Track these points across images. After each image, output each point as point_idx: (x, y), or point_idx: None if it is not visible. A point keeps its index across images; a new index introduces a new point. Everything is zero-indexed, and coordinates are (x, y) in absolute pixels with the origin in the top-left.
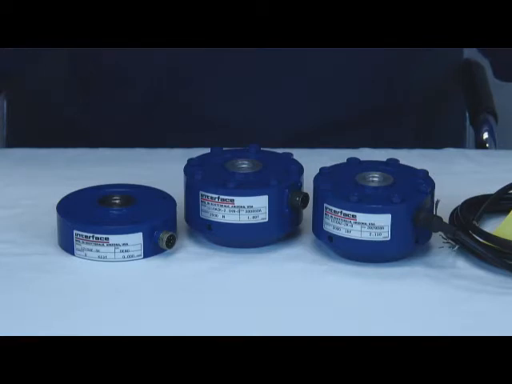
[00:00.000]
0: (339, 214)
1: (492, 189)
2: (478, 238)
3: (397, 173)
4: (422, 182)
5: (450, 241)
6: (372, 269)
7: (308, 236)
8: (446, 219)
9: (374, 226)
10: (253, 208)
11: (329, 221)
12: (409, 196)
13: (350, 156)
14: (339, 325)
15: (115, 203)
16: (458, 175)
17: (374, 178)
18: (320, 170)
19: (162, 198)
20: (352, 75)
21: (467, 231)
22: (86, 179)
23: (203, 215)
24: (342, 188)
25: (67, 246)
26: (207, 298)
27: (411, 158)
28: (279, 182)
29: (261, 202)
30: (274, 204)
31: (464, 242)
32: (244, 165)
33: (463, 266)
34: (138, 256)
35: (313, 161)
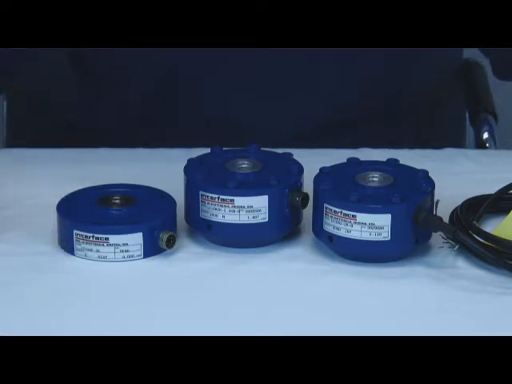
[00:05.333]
0: (339, 213)
1: (492, 189)
2: (478, 237)
3: (397, 173)
4: (422, 182)
5: (449, 241)
6: (372, 269)
7: (308, 236)
8: (446, 219)
9: (374, 225)
10: (253, 208)
11: (329, 221)
12: (409, 196)
13: (350, 156)
14: (339, 325)
15: (115, 203)
16: (458, 175)
17: (374, 177)
18: (320, 169)
19: (162, 198)
20: (352, 75)
21: (467, 231)
22: (86, 179)
23: (203, 215)
24: (342, 188)
25: (67, 246)
26: (207, 298)
27: (411, 158)
28: (279, 182)
29: (261, 202)
30: (274, 204)
31: (464, 242)
32: (244, 165)
33: (463, 266)
34: (138, 256)
35: (313, 161)
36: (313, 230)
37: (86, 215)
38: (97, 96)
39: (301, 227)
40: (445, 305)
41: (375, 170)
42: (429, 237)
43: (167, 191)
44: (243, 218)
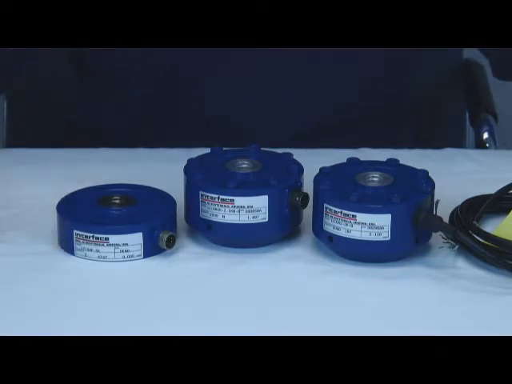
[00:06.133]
0: (339, 213)
1: (492, 189)
2: (478, 237)
3: (397, 173)
4: (422, 182)
5: (449, 241)
6: (372, 269)
7: (308, 236)
8: (446, 219)
9: (374, 225)
10: (253, 208)
11: (329, 221)
12: (409, 196)
13: (350, 156)
14: (339, 325)
15: (115, 203)
16: (458, 175)
17: (374, 177)
18: (320, 169)
19: (162, 198)
20: (352, 75)
21: (467, 231)
22: (86, 179)
23: (203, 215)
24: (342, 188)
25: (67, 245)
26: (207, 298)
27: (411, 158)
28: (279, 182)
29: (261, 202)
30: (274, 204)
31: (464, 242)
32: (244, 165)
33: (463, 266)
34: (137, 256)
35: (313, 161)
36: (313, 230)
37: (86, 215)
38: (97, 96)
39: (301, 227)
40: (445, 305)
41: (375, 170)
42: (429, 237)
43: (167, 191)
44: (243, 218)
